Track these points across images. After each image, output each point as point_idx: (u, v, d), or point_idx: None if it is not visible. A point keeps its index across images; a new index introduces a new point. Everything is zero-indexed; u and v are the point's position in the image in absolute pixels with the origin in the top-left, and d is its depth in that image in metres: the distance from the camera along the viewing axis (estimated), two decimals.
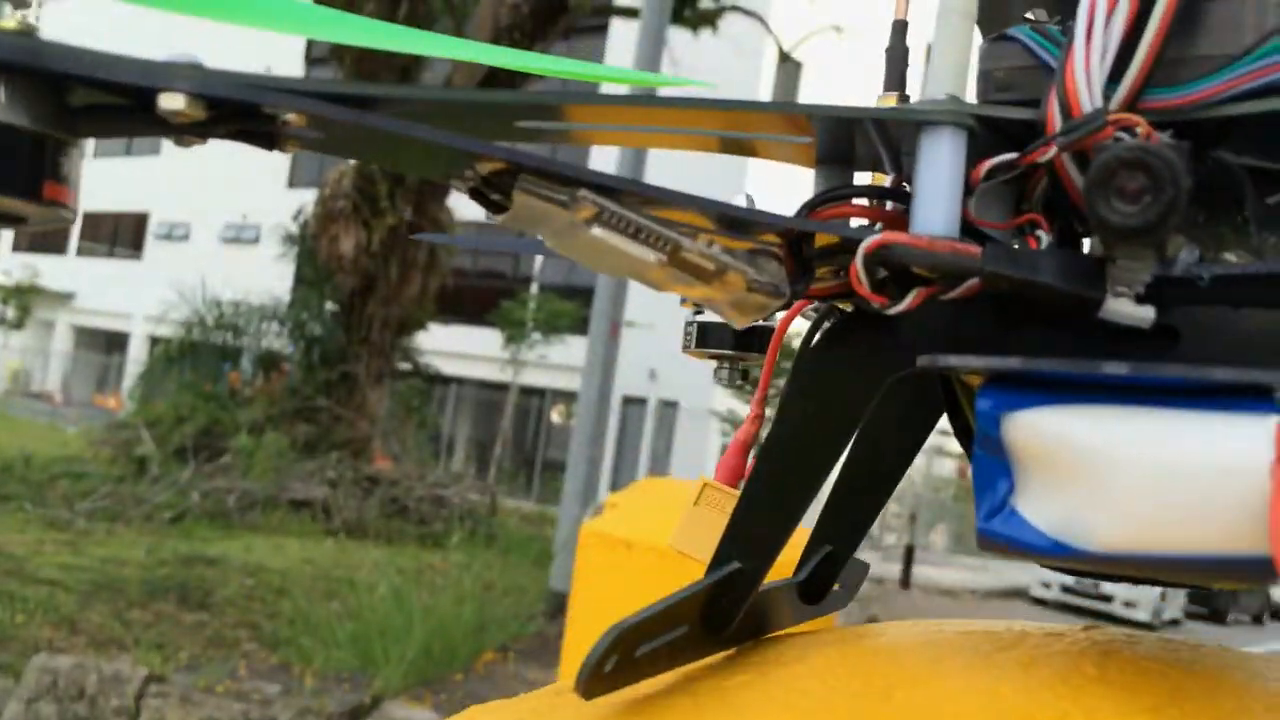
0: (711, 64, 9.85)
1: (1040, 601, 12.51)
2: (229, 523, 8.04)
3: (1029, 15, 0.43)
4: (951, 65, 0.38)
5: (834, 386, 0.42)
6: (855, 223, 0.41)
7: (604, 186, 0.33)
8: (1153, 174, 0.30)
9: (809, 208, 0.38)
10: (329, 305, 9.85)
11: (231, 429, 9.16)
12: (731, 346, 0.70)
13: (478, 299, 15.45)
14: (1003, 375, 0.34)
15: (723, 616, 0.42)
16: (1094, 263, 0.34)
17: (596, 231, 0.33)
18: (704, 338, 0.71)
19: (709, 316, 0.81)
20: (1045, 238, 0.36)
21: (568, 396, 14.74)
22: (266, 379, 9.97)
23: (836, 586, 0.57)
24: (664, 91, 0.40)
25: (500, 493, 10.50)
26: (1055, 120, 0.34)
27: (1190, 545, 0.30)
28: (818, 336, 0.43)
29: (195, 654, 5.18)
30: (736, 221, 0.37)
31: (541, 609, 6.47)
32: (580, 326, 10.32)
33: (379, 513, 8.49)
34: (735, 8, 10.34)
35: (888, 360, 0.40)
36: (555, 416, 16.81)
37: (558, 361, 13.63)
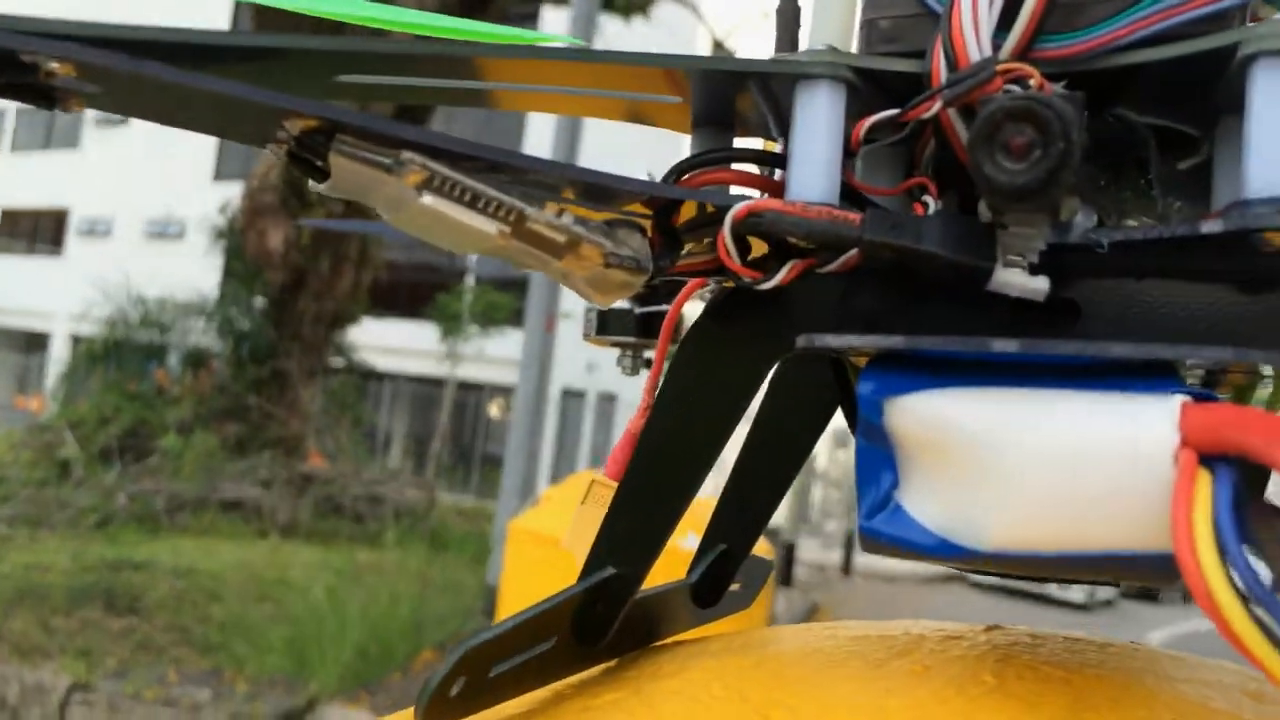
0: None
1: (980, 585, 12.68)
2: (157, 525, 7.83)
3: None
4: (834, 14, 0.35)
5: (717, 370, 0.38)
6: (736, 192, 0.38)
7: (434, 148, 0.29)
8: (1042, 126, 0.27)
9: (676, 173, 0.35)
10: (258, 301, 9.63)
11: (159, 429, 8.92)
12: (634, 333, 0.66)
13: (412, 293, 15.23)
14: (887, 356, 0.31)
15: (597, 626, 0.39)
16: (984, 229, 0.31)
17: (427, 200, 0.29)
18: (604, 325, 0.67)
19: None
20: (933, 203, 0.33)
21: (506, 390, 14.63)
22: (195, 377, 9.72)
23: (736, 586, 0.53)
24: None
25: (439, 488, 10.38)
26: (941, 73, 0.31)
27: (1088, 542, 0.27)
28: (699, 315, 0.40)
29: (123, 660, 5.03)
30: (595, 189, 0.33)
31: (480, 605, 6.41)
32: (517, 319, 10.22)
33: (313, 512, 8.33)
34: None
35: (775, 340, 0.36)
36: (494, 410, 16.68)
37: (495, 355, 13.52)
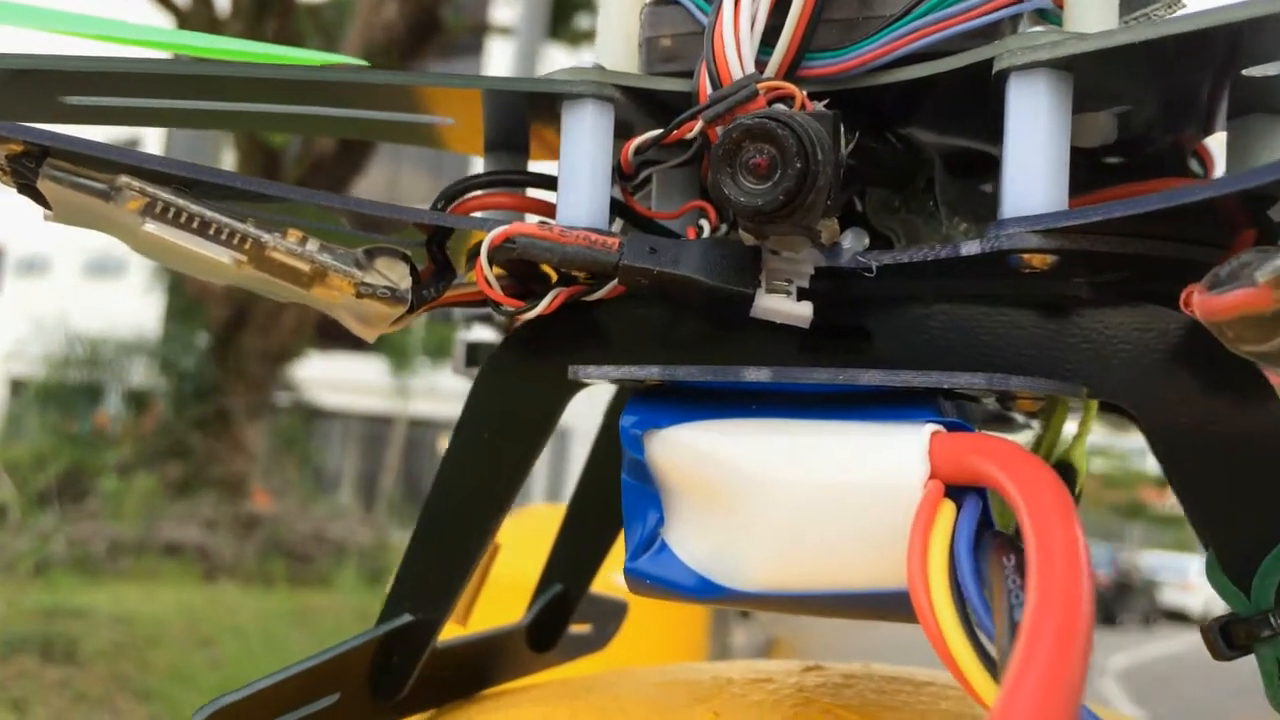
0: None
1: None
2: (97, 570, 7.62)
3: None
4: (617, 33, 0.34)
5: (511, 405, 0.36)
6: (530, 219, 0.36)
7: (154, 172, 0.27)
8: (779, 145, 0.26)
9: (446, 199, 0.33)
10: (201, 338, 9.48)
11: (98, 471, 8.72)
12: None
13: None
14: (653, 388, 0.30)
15: (395, 678, 0.37)
16: (750, 254, 0.29)
17: (150, 227, 0.27)
18: (474, 356, 0.65)
19: (480, 334, 0.75)
20: (707, 227, 0.31)
21: None
22: (136, 417, 9.53)
23: (587, 628, 0.52)
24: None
25: (390, 526, 10.23)
26: (706, 91, 0.30)
27: (842, 580, 0.26)
28: (495, 348, 0.38)
29: (60, 711, 4.87)
30: (357, 216, 0.31)
31: None
32: None
33: (259, 553, 8.16)
34: None
35: (564, 373, 0.34)
36: (446, 447, 16.48)
37: (447, 390, 13.40)
